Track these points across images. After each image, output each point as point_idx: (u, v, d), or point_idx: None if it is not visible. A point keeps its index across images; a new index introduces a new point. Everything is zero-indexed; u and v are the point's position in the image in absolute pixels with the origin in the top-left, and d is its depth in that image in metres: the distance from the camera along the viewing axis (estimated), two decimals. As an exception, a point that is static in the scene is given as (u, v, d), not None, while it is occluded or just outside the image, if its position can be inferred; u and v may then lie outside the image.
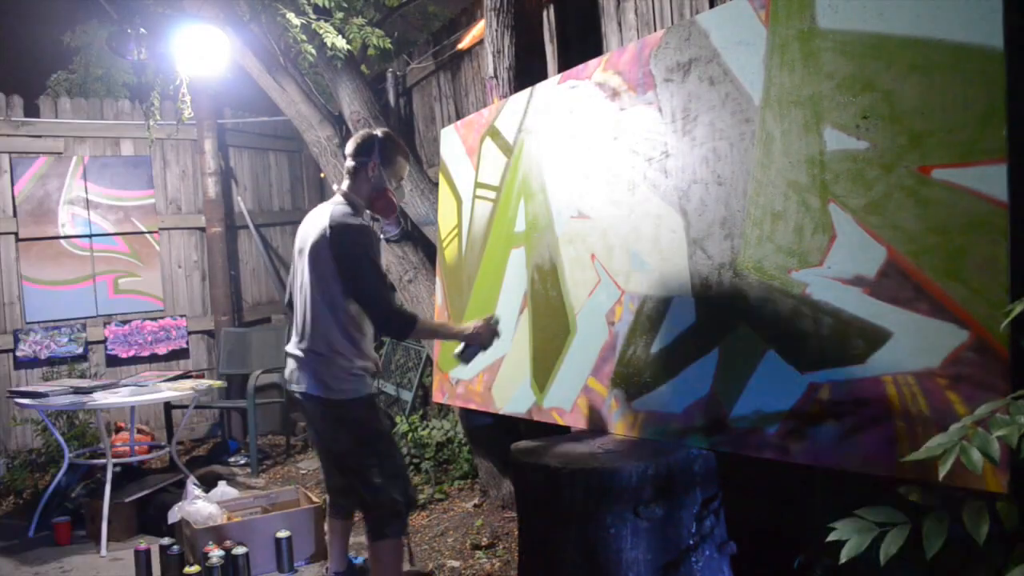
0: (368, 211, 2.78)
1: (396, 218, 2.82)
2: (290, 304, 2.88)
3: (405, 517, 2.71)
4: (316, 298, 2.64)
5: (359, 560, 3.27)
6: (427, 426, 4.69)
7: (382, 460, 2.67)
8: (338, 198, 2.73)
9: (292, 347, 2.74)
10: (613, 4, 3.37)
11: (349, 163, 2.76)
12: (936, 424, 1.73)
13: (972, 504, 1.37)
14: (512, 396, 3.05)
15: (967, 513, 1.36)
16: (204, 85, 5.63)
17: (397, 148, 2.79)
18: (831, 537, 1.50)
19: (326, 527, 3.17)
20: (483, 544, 3.41)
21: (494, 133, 3.24)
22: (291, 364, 2.74)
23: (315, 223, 2.68)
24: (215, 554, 3.22)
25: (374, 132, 2.78)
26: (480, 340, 2.73)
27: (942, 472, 1.33)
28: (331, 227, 2.59)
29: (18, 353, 5.52)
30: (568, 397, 2.76)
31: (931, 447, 1.37)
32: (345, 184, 2.77)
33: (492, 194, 3.24)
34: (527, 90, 3.05)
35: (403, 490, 2.69)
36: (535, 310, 2.97)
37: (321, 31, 4.24)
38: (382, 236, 4.55)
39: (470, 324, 2.76)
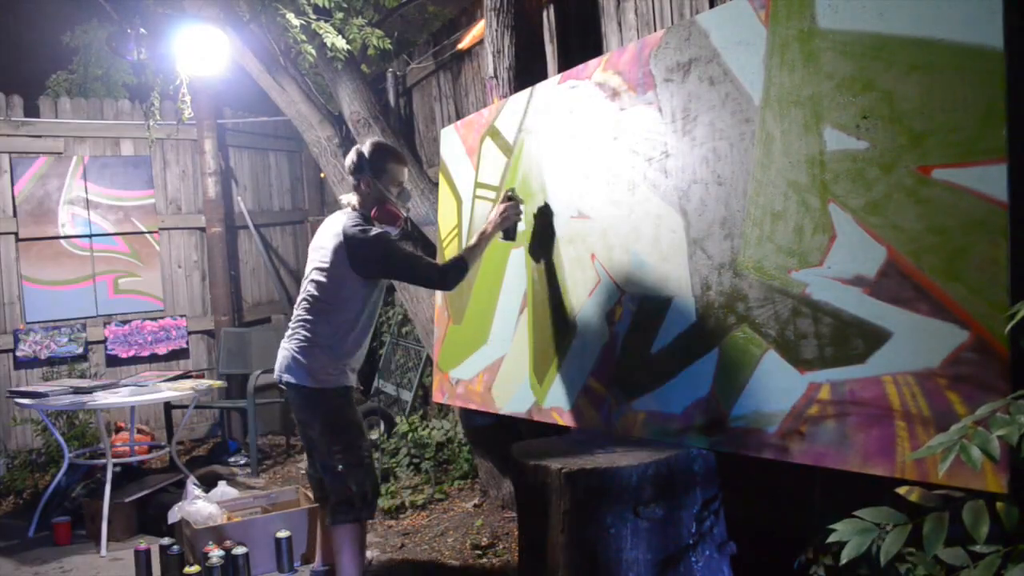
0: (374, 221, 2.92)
1: (401, 221, 2.95)
2: None
3: (360, 506, 2.86)
4: (315, 295, 2.85)
5: None
6: (427, 426, 4.69)
7: (346, 449, 2.84)
8: (349, 211, 2.92)
9: (284, 340, 2.94)
10: (613, 4, 3.37)
11: (350, 180, 2.93)
12: (936, 424, 1.73)
13: (972, 504, 1.37)
14: (512, 396, 3.05)
15: (967, 513, 1.36)
16: (204, 85, 5.63)
17: (387, 155, 2.91)
18: (832, 538, 1.50)
19: (319, 524, 3.20)
20: (483, 544, 3.42)
21: (494, 133, 3.24)
22: (280, 355, 2.92)
23: (330, 230, 2.87)
24: (215, 554, 3.23)
25: (361, 148, 2.91)
26: (512, 218, 2.88)
27: (942, 470, 1.33)
28: (347, 243, 2.77)
29: (18, 353, 5.52)
30: (568, 397, 2.76)
31: (932, 446, 1.37)
32: (354, 199, 2.94)
33: (492, 194, 3.24)
34: (527, 90, 3.05)
35: (360, 481, 2.84)
36: (535, 310, 2.97)
37: (321, 31, 4.24)
38: None
39: (494, 215, 2.89)
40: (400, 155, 3.01)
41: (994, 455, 1.30)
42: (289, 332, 2.92)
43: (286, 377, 2.86)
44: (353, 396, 2.92)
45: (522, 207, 2.91)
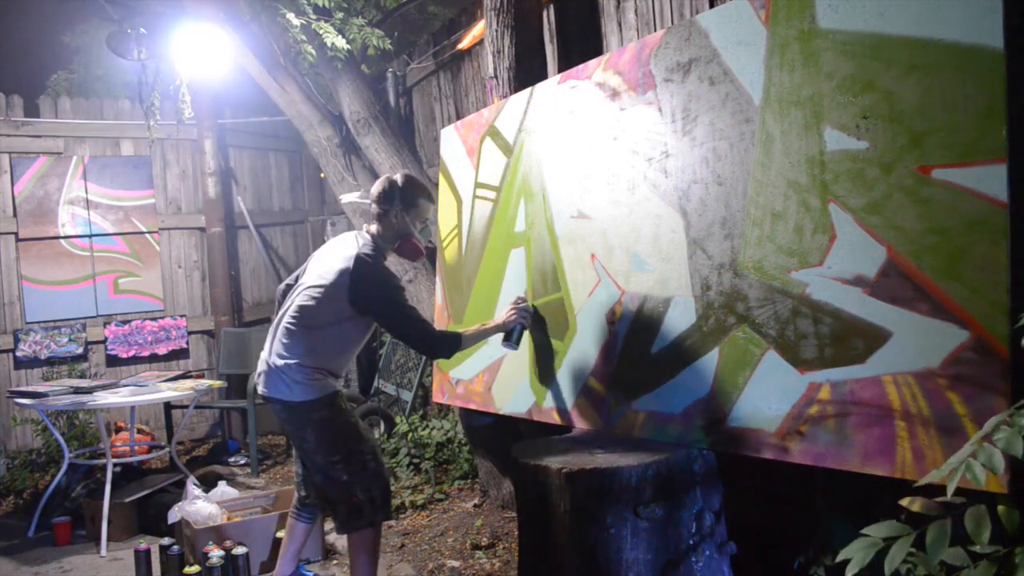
0: (394, 253, 2.88)
1: (422, 257, 2.92)
2: (283, 295, 3.01)
3: (371, 511, 2.77)
4: (307, 310, 2.74)
5: (308, 573, 3.21)
6: (427, 426, 4.69)
7: (346, 458, 2.75)
8: (366, 237, 2.82)
9: (265, 350, 2.84)
10: (613, 4, 3.37)
11: (374, 208, 2.84)
12: (936, 424, 1.73)
13: (974, 510, 1.37)
14: (512, 396, 3.05)
15: (969, 520, 1.35)
16: (204, 85, 5.63)
17: (418, 191, 2.86)
18: (840, 557, 1.48)
19: (284, 530, 3.14)
20: (483, 544, 3.41)
21: (494, 133, 3.24)
22: (260, 367, 2.83)
23: (339, 253, 2.77)
24: (215, 554, 3.22)
25: (394, 178, 2.86)
26: (518, 320, 2.84)
27: (950, 491, 1.33)
28: (354, 271, 2.67)
29: (18, 353, 5.52)
30: (568, 397, 2.76)
31: (941, 471, 1.37)
32: (374, 228, 2.86)
33: (492, 194, 3.24)
34: (527, 90, 3.05)
35: (366, 487, 2.76)
36: (535, 310, 2.96)
37: (321, 31, 4.25)
38: None
39: (502, 314, 2.88)
40: (431, 192, 2.94)
41: (997, 469, 1.31)
42: (271, 341, 2.80)
43: (269, 392, 2.75)
44: (342, 400, 2.80)
45: (529, 311, 2.87)
